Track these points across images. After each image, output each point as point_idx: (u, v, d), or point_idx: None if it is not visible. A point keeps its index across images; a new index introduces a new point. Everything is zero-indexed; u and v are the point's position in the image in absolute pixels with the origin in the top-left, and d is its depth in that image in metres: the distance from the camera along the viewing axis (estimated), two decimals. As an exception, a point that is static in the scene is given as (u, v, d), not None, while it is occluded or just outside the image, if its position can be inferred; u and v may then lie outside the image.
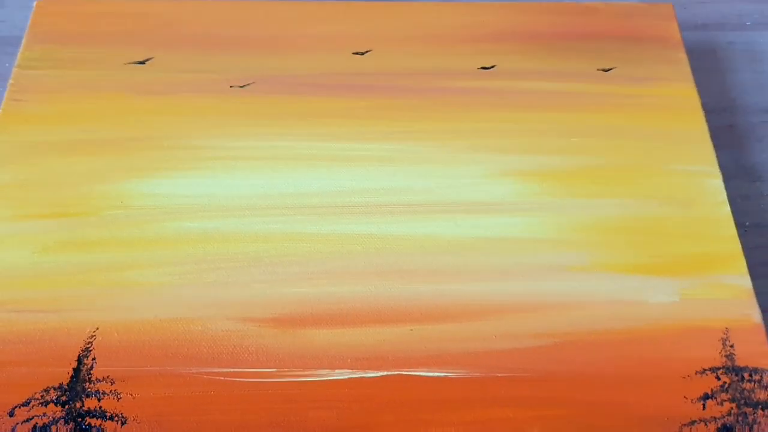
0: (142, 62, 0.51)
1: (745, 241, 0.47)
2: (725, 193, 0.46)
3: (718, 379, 0.40)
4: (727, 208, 0.45)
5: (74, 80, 0.50)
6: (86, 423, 0.38)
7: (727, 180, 0.49)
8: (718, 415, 0.39)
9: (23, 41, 0.52)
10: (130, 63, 0.51)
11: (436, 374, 0.39)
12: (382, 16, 0.54)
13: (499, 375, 0.39)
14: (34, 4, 0.54)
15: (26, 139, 0.47)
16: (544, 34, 0.53)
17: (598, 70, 0.51)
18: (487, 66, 0.51)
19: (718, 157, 0.49)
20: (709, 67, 0.59)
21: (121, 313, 0.41)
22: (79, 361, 0.40)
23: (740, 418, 0.39)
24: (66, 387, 0.39)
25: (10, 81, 0.50)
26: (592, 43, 0.52)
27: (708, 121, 0.51)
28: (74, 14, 0.53)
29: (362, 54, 0.52)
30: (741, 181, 0.53)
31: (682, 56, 0.51)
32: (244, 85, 0.50)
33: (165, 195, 0.45)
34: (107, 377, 0.39)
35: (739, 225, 0.48)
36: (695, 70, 0.54)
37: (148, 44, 0.51)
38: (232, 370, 0.39)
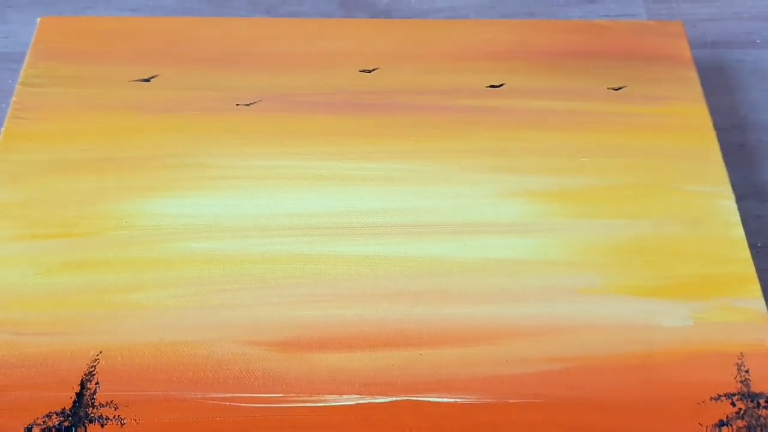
0: (147, 80, 0.50)
1: (758, 262, 0.46)
2: (738, 214, 0.45)
3: (734, 405, 0.39)
4: (741, 230, 0.45)
5: (78, 98, 0.49)
6: (89, 449, 0.38)
7: (738, 200, 0.48)
8: (733, 442, 0.38)
9: (27, 58, 0.51)
10: (135, 80, 0.50)
11: (446, 400, 0.39)
12: (389, 33, 0.53)
13: (511, 401, 0.39)
14: (38, 20, 0.54)
15: (29, 158, 0.46)
16: (553, 52, 0.52)
17: (608, 88, 0.50)
18: (495, 84, 0.50)
19: (728, 176, 0.49)
20: (719, 85, 0.58)
21: (125, 336, 0.40)
22: (82, 385, 0.39)
23: (756, 446, 0.38)
24: (69, 412, 0.38)
25: (14, 99, 0.50)
26: (601, 62, 0.52)
27: (718, 139, 0.51)
28: (79, 31, 0.53)
29: (369, 72, 0.51)
30: (752, 201, 0.52)
31: (693, 75, 0.51)
32: (250, 104, 0.49)
33: (170, 215, 0.44)
34: (111, 402, 0.38)
35: (752, 246, 0.47)
36: (705, 89, 0.53)
37: (154, 62, 0.51)
38: (237, 395, 0.39)
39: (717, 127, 0.52)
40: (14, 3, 0.62)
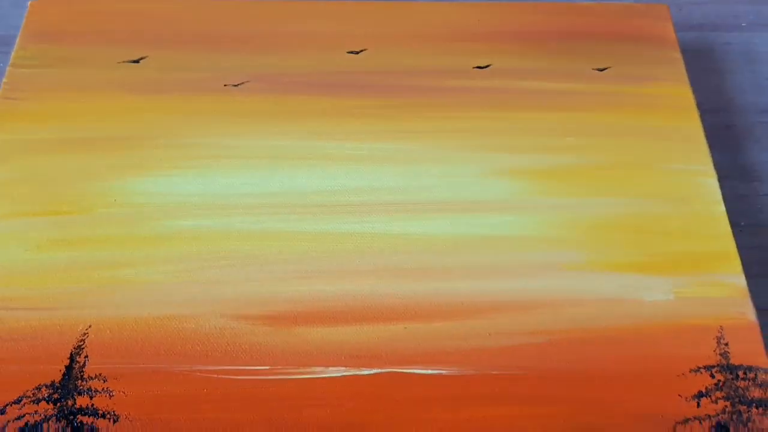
0: (136, 61, 0.51)
1: (741, 240, 0.47)
2: (720, 192, 0.46)
3: (713, 377, 0.39)
4: (722, 207, 0.45)
5: (68, 79, 0.50)
6: (78, 421, 0.38)
7: (723, 180, 0.49)
8: (712, 413, 0.39)
9: (17, 40, 0.52)
10: (124, 62, 0.51)
11: (430, 372, 0.39)
12: (377, 15, 0.54)
13: (494, 372, 0.39)
14: (29, 3, 0.54)
15: (19, 137, 0.47)
16: (539, 33, 0.53)
17: (593, 69, 0.51)
18: (482, 65, 0.51)
19: (715, 157, 0.49)
20: (706, 67, 0.59)
21: (113, 310, 0.41)
22: (72, 359, 0.39)
23: (735, 416, 0.38)
24: (58, 385, 0.39)
25: (4, 80, 0.50)
26: (587, 43, 0.52)
27: (705, 121, 0.51)
28: (68, 13, 0.53)
29: (357, 53, 0.52)
30: (738, 182, 0.53)
31: (677, 56, 0.51)
32: (238, 84, 0.50)
33: (158, 193, 0.45)
34: (100, 375, 0.39)
35: (735, 225, 0.48)
36: (692, 71, 0.54)
37: (143, 43, 0.51)
38: (225, 367, 0.39)
39: (704, 109, 0.52)
40: (6, -14, 0.63)
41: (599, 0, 0.55)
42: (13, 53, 0.51)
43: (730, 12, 0.62)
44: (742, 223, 0.51)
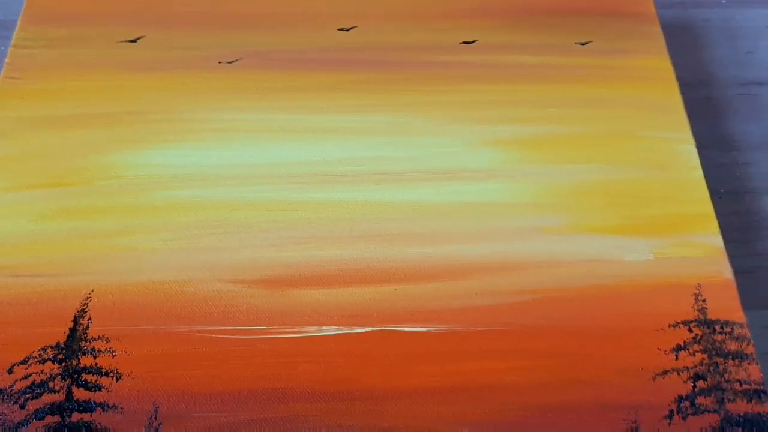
0: (134, 41, 0.53)
1: (720, 207, 0.49)
2: (698, 158, 0.48)
3: (691, 331, 0.41)
4: (700, 172, 0.47)
5: (68, 58, 0.51)
6: (83, 379, 0.40)
7: (703, 150, 0.50)
8: (690, 365, 0.40)
9: (18, 22, 0.53)
10: (122, 41, 0.52)
11: (419, 329, 0.41)
12: (366, -6, 0.56)
13: (480, 329, 0.41)
14: (29, -14, 0.56)
15: (22, 114, 0.48)
16: (523, 9, 0.54)
17: (575, 43, 0.53)
18: (468, 41, 0.53)
19: (695, 128, 0.51)
20: (687, 43, 0.60)
21: (115, 276, 0.42)
22: (75, 321, 0.41)
23: (712, 368, 0.40)
24: (63, 346, 0.40)
25: (6, 60, 0.52)
26: (569, 18, 0.54)
27: (686, 94, 0.52)
28: (67, -4, 0.55)
29: (347, 30, 0.53)
30: (717, 151, 0.55)
31: (657, 30, 0.53)
32: (232, 61, 0.51)
33: (156, 165, 0.47)
34: (103, 336, 0.41)
35: (715, 192, 0.50)
36: (674, 47, 0.55)
37: (140, 23, 0.53)
38: (223, 328, 0.41)
39: (685, 82, 0.54)
40: (5, -27, 0.64)
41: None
42: (14, 35, 0.53)
43: (711, -11, 0.64)
44: (722, 191, 0.52)
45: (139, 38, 0.53)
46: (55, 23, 0.53)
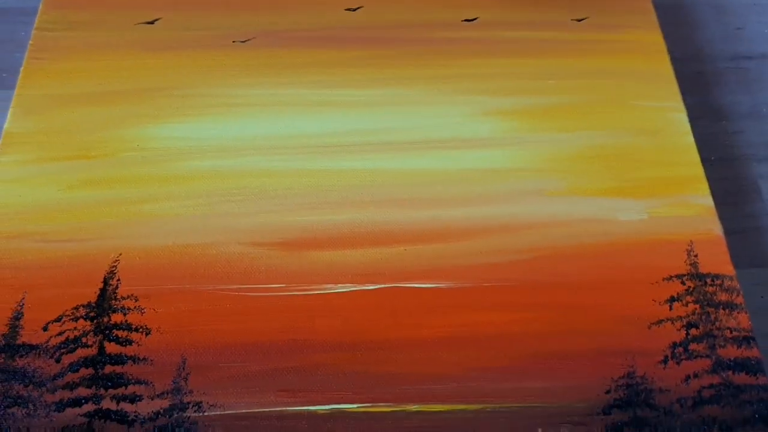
0: (151, 22, 0.55)
1: (711, 173, 0.51)
2: (689, 125, 0.50)
3: (684, 284, 0.44)
4: (691, 138, 0.50)
5: (89, 40, 0.54)
6: (114, 334, 0.42)
7: (695, 120, 0.53)
8: (683, 314, 0.43)
9: (40, 6, 0.56)
10: (140, 23, 0.55)
11: (426, 286, 0.44)
12: (371, -24, 0.58)
13: (484, 285, 0.44)
14: (48, -27, 0.58)
15: (48, 92, 0.51)
16: (521, -12, 0.57)
17: (571, 20, 0.55)
18: (469, 18, 0.55)
19: (687, 100, 0.53)
20: (679, 20, 0.63)
21: (141, 240, 0.45)
22: (105, 282, 0.44)
23: (703, 317, 0.43)
24: (94, 304, 0.43)
25: (30, 42, 0.54)
26: (566, -5, 0.57)
27: (678, 68, 0.55)
28: (86, -19, 0.58)
29: (354, 10, 0.56)
30: (708, 121, 0.57)
31: (649, 6, 0.56)
32: (245, 41, 0.54)
33: (177, 138, 0.49)
34: (131, 295, 0.43)
35: (706, 160, 0.52)
36: (666, 24, 0.58)
37: (156, 6, 0.55)
38: (244, 286, 0.44)
39: (678, 57, 0.57)
40: (23, -38, 0.67)
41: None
42: (37, 18, 0.55)
43: (701, -31, 0.66)
44: (713, 158, 0.55)
45: (156, 20, 0.55)
46: (75, 7, 0.55)
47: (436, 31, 0.54)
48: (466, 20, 0.55)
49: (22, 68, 0.53)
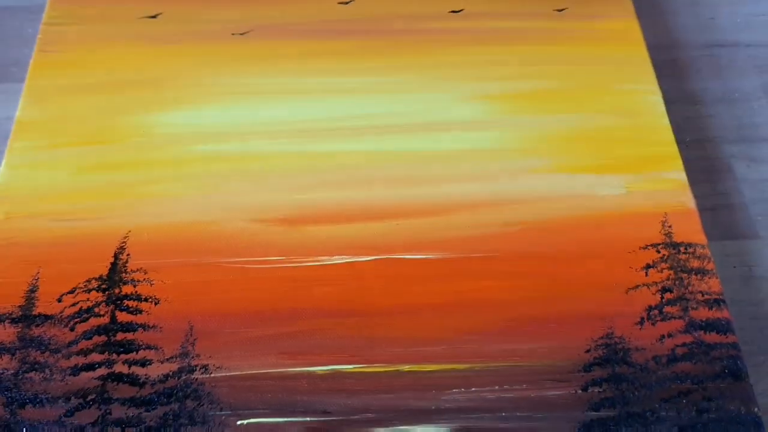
0: (154, 16, 0.58)
1: (687, 153, 0.54)
2: (664, 107, 0.53)
3: (659, 252, 0.47)
4: (666, 120, 0.53)
5: (95, 33, 0.57)
6: (124, 304, 0.45)
7: (671, 104, 0.56)
8: (658, 280, 0.46)
9: (48, 2, 0.58)
10: (143, 17, 0.57)
11: (418, 257, 0.46)
12: (363, -28, 0.61)
13: (473, 255, 0.46)
14: (55, -29, 0.61)
15: (57, 82, 0.54)
16: (505, -19, 0.60)
17: (553, 10, 0.58)
18: (456, 10, 0.58)
19: (663, 85, 0.56)
20: (655, 11, 0.66)
21: (148, 218, 0.48)
22: (116, 257, 0.46)
23: (677, 282, 0.46)
24: (105, 277, 0.46)
25: (38, 36, 0.57)
26: (548, -12, 0.60)
27: (654, 56, 0.58)
28: (91, -21, 0.60)
29: (347, 3, 0.59)
30: (683, 105, 0.60)
31: (626, -3, 0.59)
32: (243, 33, 0.57)
33: (180, 124, 0.52)
34: (140, 269, 0.46)
35: (681, 141, 0.55)
36: (643, 14, 0.61)
37: (158, 1, 0.58)
38: (247, 259, 0.46)
39: (654, 45, 0.60)
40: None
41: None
42: (44, 14, 0.58)
43: (677, -36, 0.70)
44: (688, 139, 0.58)
45: (158, 14, 0.58)
46: (81, 3, 0.58)
47: (425, 22, 0.57)
48: (452, 11, 0.58)
49: (31, 60, 0.56)
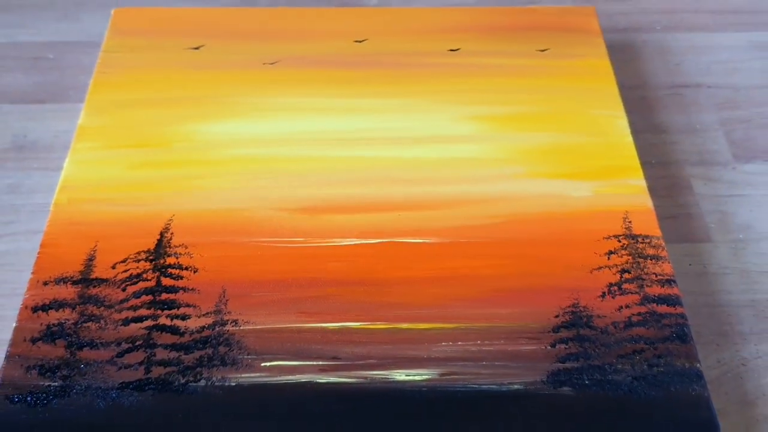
0: (197, 48, 0.68)
1: (652, 172, 0.64)
2: (629, 129, 0.62)
3: (620, 241, 0.55)
4: (630, 139, 0.61)
5: (146, 60, 0.67)
6: (168, 272, 0.53)
7: (639, 133, 0.65)
8: (619, 263, 0.54)
9: (106, 34, 0.69)
10: (187, 48, 0.68)
11: (417, 241, 0.55)
12: (375, 17, 0.72)
13: (463, 240, 0.55)
14: (112, 11, 0.71)
15: (113, 97, 0.64)
16: (497, 26, 0.70)
17: (536, 50, 0.68)
18: (454, 48, 0.68)
19: (633, 117, 0.66)
20: (628, 58, 0.76)
21: (190, 206, 0.57)
22: (161, 235, 0.55)
23: (635, 265, 0.54)
24: (152, 251, 0.54)
25: (98, 61, 0.67)
26: (532, 33, 0.69)
27: (627, 94, 0.68)
28: (143, 17, 0.71)
29: (361, 42, 0.69)
30: (651, 134, 0.69)
31: (600, 41, 0.69)
32: (273, 63, 0.67)
33: (218, 132, 0.61)
34: (182, 245, 0.55)
35: (647, 162, 0.64)
36: (617, 61, 0.71)
37: (201, 35, 0.69)
38: (273, 239, 0.55)
39: (626, 85, 0.69)
40: (86, 6, 0.80)
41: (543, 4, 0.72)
42: (103, 43, 0.68)
43: (648, 19, 0.80)
44: (653, 161, 0.67)
45: (200, 46, 0.68)
46: (135, 35, 0.68)
47: (427, 58, 0.67)
48: (451, 50, 0.68)
49: (91, 80, 0.66)
